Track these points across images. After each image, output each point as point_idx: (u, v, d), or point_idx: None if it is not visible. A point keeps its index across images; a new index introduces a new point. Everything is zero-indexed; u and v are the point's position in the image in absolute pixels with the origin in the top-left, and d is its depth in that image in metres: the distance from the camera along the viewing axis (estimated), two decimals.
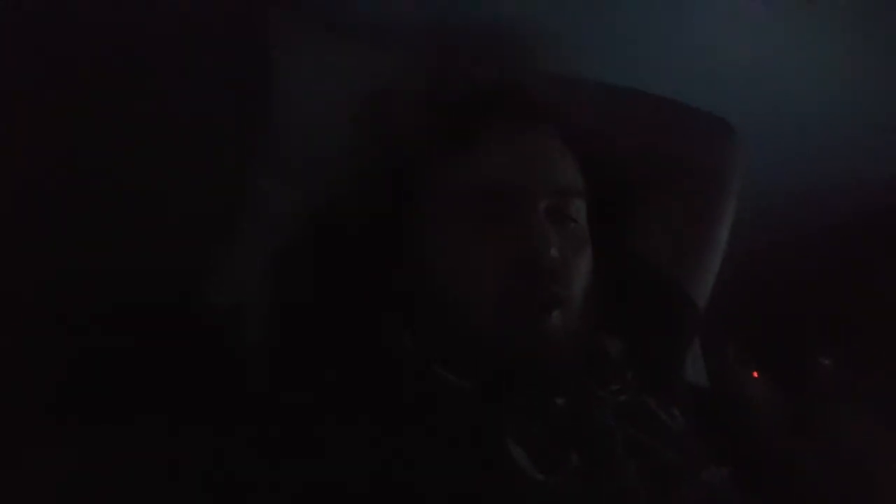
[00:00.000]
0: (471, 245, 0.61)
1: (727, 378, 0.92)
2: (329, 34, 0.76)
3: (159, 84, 0.82)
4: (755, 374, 0.97)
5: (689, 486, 0.58)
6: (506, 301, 0.59)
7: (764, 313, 1.14)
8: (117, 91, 0.80)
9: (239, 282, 0.68)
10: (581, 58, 0.88)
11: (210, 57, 0.81)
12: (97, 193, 0.79)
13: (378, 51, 0.78)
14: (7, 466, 0.58)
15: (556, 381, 0.61)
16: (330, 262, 0.66)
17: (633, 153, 0.80)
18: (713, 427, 0.67)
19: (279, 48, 0.73)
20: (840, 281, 1.19)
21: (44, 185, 0.78)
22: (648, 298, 0.73)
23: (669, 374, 0.74)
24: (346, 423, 0.55)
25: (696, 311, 0.79)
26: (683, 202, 0.80)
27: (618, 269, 0.69)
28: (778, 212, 1.12)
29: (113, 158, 0.80)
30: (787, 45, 0.99)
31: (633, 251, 0.76)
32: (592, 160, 0.69)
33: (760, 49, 0.98)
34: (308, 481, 0.52)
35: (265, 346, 0.63)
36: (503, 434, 0.55)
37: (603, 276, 0.66)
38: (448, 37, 0.78)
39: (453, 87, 0.73)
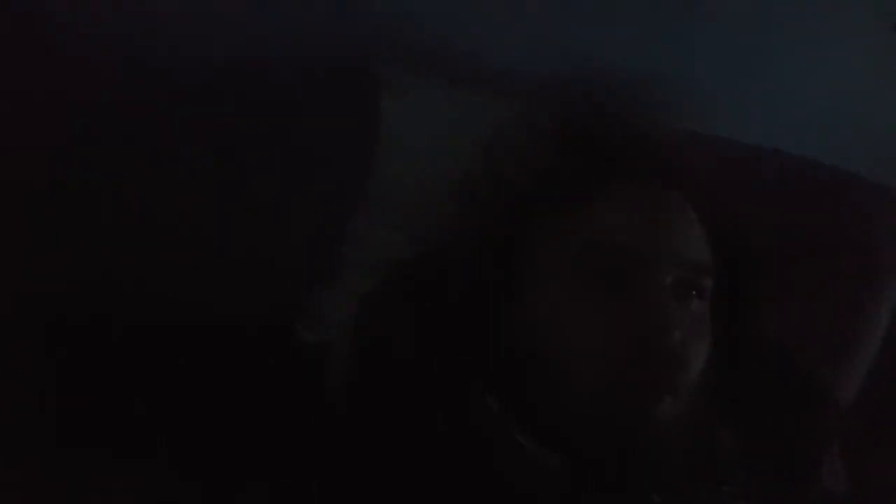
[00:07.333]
0: (583, 314, 0.56)
1: (874, 487, 0.80)
2: (441, 82, 0.76)
3: (269, 128, 0.84)
4: None
5: None
6: (616, 381, 0.53)
7: None
8: (229, 135, 0.84)
9: (332, 322, 0.68)
10: (716, 114, 0.82)
11: (319, 103, 0.82)
12: (204, 234, 0.82)
13: (491, 101, 0.76)
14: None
15: (656, 473, 0.54)
16: (422, 312, 0.64)
17: (771, 224, 0.71)
18: None
19: (388, 95, 0.74)
20: None
21: (156, 222, 0.83)
22: (776, 389, 0.65)
23: (798, 477, 0.65)
24: (417, 481, 0.53)
25: (835, 406, 0.69)
26: (831, 281, 0.72)
27: (741, 354, 0.62)
28: None
29: (220, 201, 0.83)
30: None
31: (761, 334, 0.68)
32: (725, 230, 0.62)
33: None
34: None
35: (349, 390, 0.62)
36: None
37: (723, 360, 0.59)
38: (569, 88, 0.75)
39: (572, 141, 0.70)
